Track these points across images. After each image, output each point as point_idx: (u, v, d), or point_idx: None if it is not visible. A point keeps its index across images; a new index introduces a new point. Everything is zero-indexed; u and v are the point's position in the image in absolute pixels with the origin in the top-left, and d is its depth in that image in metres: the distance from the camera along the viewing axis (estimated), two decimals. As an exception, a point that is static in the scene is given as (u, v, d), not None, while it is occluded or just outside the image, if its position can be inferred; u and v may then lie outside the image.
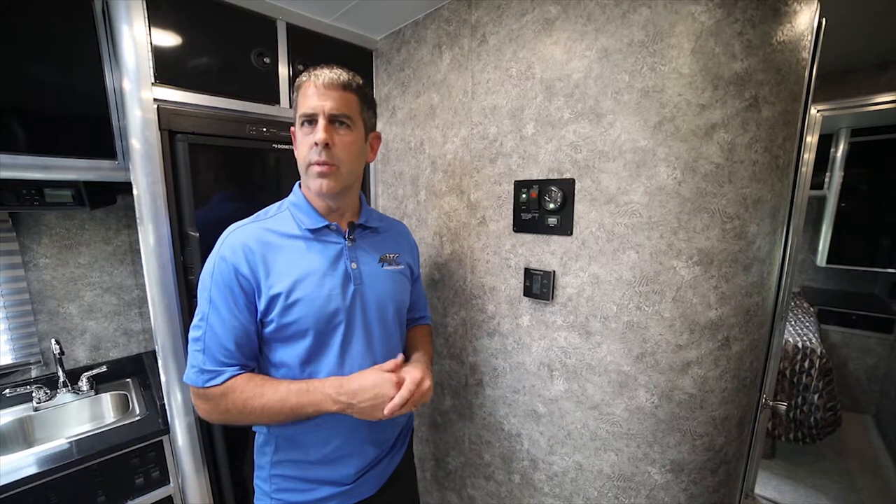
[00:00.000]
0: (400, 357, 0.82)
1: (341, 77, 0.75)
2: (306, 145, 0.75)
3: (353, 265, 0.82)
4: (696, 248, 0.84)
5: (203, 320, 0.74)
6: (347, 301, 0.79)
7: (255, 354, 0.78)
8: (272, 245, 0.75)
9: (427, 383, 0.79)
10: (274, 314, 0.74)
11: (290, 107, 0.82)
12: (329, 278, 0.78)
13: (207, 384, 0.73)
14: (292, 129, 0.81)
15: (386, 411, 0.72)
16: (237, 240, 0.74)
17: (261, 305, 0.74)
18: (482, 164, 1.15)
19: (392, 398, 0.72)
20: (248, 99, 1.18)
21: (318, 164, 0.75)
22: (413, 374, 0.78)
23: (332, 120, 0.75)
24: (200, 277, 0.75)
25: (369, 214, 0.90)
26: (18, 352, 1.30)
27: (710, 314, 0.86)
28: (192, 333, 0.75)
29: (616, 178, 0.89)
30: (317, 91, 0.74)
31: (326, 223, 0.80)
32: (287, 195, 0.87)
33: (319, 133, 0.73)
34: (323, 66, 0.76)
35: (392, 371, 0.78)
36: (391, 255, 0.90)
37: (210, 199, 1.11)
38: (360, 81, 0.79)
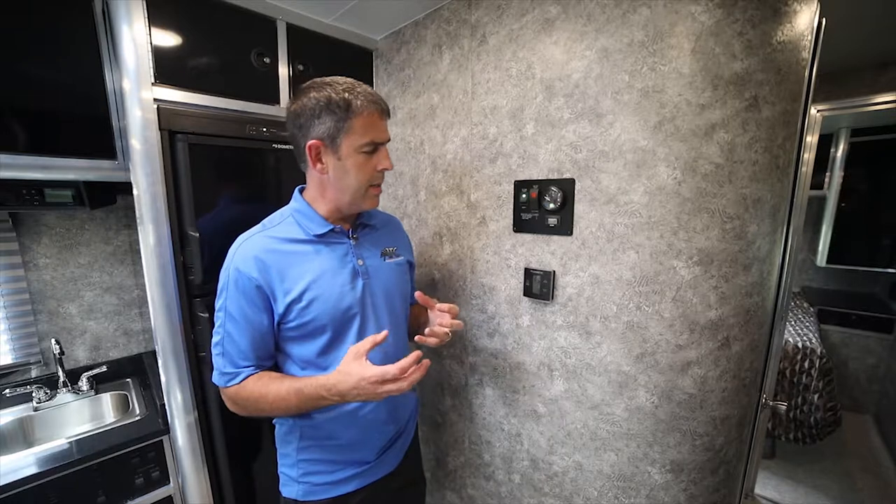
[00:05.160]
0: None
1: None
2: (369, 169, 0.80)
3: (360, 262, 0.86)
4: (696, 248, 0.84)
5: (221, 327, 0.80)
6: (358, 295, 0.84)
7: (270, 354, 0.84)
8: (282, 252, 0.79)
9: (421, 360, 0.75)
10: (293, 315, 0.78)
11: (329, 122, 0.75)
12: (339, 276, 0.82)
13: (227, 385, 0.80)
14: (316, 143, 0.76)
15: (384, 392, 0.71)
16: (248, 251, 0.78)
17: (279, 309, 0.78)
18: (482, 164, 1.15)
19: (380, 385, 0.70)
20: (247, 99, 1.18)
21: (378, 186, 0.83)
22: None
23: None
24: (218, 289, 0.81)
25: (366, 213, 0.93)
26: (18, 352, 1.30)
27: (710, 314, 0.86)
28: (214, 339, 0.81)
29: (616, 178, 0.89)
30: (383, 121, 0.80)
31: (332, 227, 0.84)
32: (287, 194, 0.90)
33: (389, 160, 0.82)
34: (369, 88, 0.79)
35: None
36: (390, 249, 0.96)
37: (210, 199, 1.11)
38: None
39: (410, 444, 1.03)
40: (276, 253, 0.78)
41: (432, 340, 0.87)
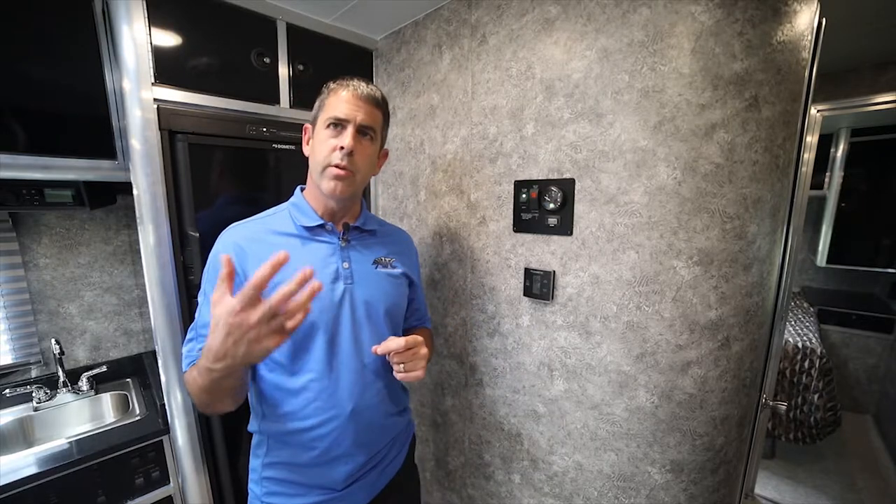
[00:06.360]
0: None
1: (376, 93, 0.82)
2: (328, 147, 0.78)
3: (345, 265, 0.83)
4: (696, 248, 0.84)
5: (197, 311, 0.79)
6: (336, 298, 0.80)
7: None
8: (264, 241, 0.79)
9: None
10: None
11: (312, 108, 0.83)
12: (318, 274, 0.78)
13: (184, 371, 0.76)
14: (307, 126, 0.85)
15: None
16: (231, 236, 0.80)
17: None
18: (482, 164, 1.15)
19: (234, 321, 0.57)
20: (248, 99, 1.18)
21: (338, 167, 0.77)
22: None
23: (359, 130, 0.79)
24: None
25: (367, 218, 0.91)
26: (18, 352, 1.30)
27: (710, 314, 0.86)
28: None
29: (616, 178, 0.89)
30: (353, 99, 0.78)
31: (321, 222, 0.83)
32: (287, 195, 0.90)
33: (347, 139, 0.77)
34: (357, 79, 0.81)
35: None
36: (386, 259, 0.91)
37: (210, 200, 1.11)
38: (386, 99, 0.86)
39: (395, 478, 0.93)
40: (259, 242, 0.78)
41: (410, 376, 0.80)
